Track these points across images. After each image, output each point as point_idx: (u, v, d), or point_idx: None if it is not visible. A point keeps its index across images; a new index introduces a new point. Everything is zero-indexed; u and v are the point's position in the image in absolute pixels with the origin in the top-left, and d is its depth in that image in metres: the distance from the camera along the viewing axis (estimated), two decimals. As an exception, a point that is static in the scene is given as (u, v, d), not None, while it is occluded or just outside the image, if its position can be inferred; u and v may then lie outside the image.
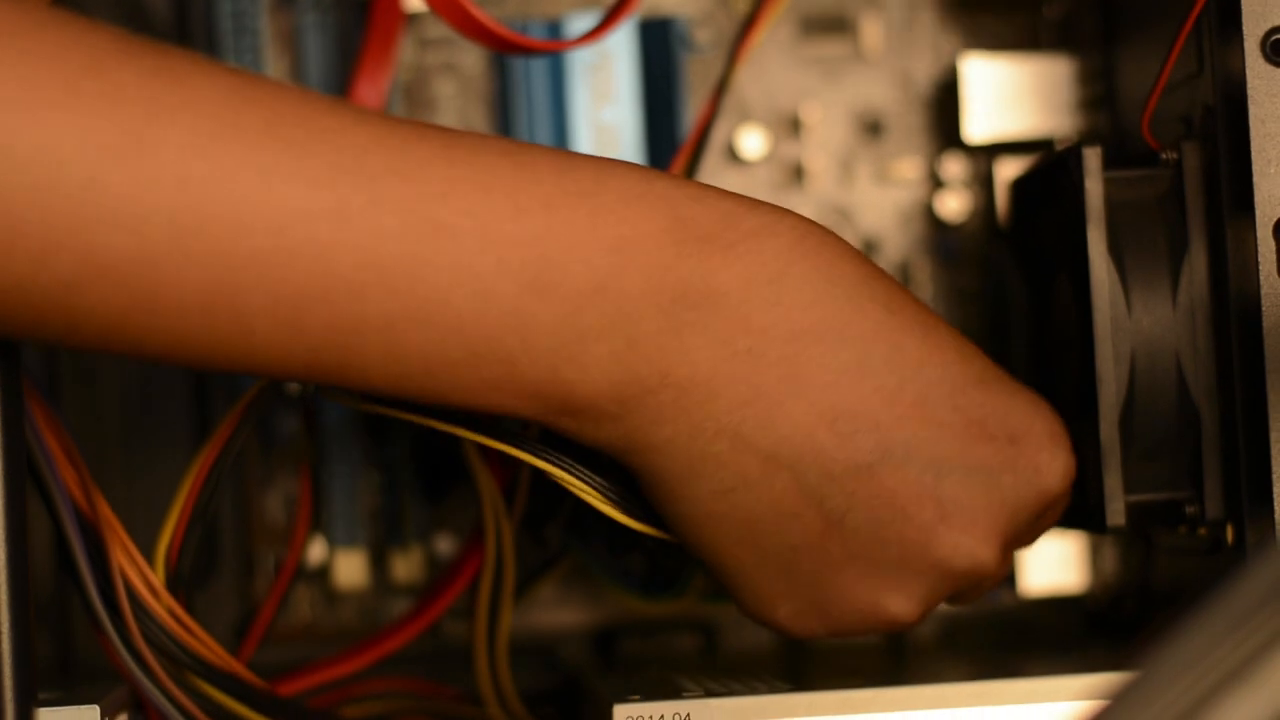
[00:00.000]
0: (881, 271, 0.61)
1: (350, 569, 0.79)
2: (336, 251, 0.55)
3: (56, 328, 0.56)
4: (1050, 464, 0.61)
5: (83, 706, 0.60)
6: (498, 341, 0.57)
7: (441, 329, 0.56)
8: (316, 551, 0.78)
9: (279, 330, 0.56)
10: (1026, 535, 0.65)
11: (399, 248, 0.56)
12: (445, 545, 0.79)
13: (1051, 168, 0.69)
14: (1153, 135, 0.67)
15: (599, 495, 0.62)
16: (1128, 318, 0.65)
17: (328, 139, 0.56)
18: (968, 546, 0.60)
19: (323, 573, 0.79)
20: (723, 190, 0.60)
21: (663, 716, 0.60)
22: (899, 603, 0.61)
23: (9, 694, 0.57)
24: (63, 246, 0.54)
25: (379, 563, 0.79)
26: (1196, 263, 0.64)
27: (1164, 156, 0.65)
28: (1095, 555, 0.80)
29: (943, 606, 0.67)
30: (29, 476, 0.63)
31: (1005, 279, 0.77)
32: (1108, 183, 0.65)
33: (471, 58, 0.81)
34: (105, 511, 0.65)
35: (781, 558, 0.61)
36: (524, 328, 0.57)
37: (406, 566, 0.79)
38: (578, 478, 0.62)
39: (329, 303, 0.56)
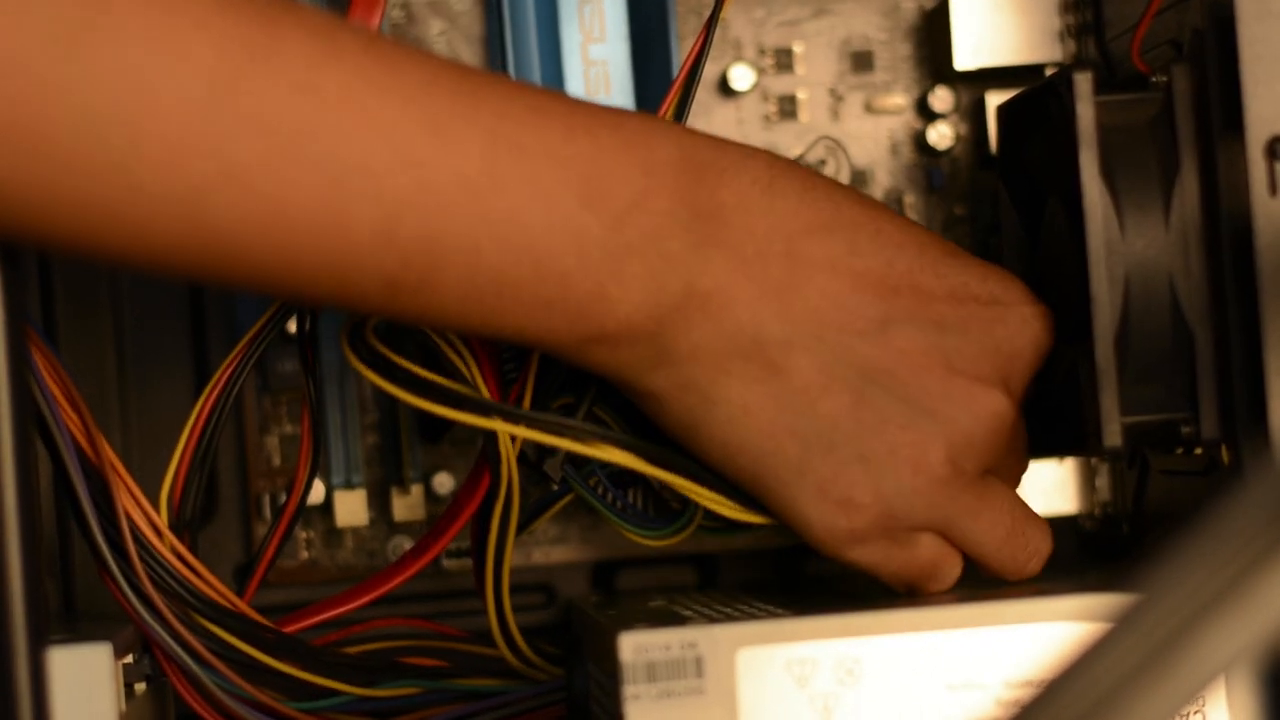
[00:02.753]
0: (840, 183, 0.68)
1: (350, 508, 0.79)
2: (432, 164, 0.59)
3: (180, 236, 0.57)
4: (1034, 314, 0.66)
5: (94, 645, 0.60)
6: (558, 257, 0.61)
7: (515, 246, 0.60)
8: (316, 491, 0.78)
9: (376, 242, 0.59)
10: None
11: (483, 163, 0.59)
12: (443, 484, 0.79)
13: (1041, 93, 0.70)
14: (1142, 59, 0.67)
15: (711, 493, 0.67)
16: (1121, 240, 0.65)
17: (416, 62, 0.60)
18: (980, 391, 0.65)
19: (323, 512, 0.79)
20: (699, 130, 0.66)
21: (669, 645, 0.61)
22: (937, 450, 0.64)
23: (20, 634, 0.57)
24: (196, 151, 0.56)
25: (379, 501, 0.80)
26: (1188, 184, 0.65)
27: (1154, 80, 0.65)
28: (1090, 479, 0.80)
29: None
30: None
31: (995, 205, 0.77)
32: (1099, 107, 0.65)
33: (459, -4, 0.81)
34: (108, 455, 0.65)
35: (823, 437, 0.64)
36: (579, 242, 0.61)
37: (406, 505, 0.79)
38: (684, 476, 0.66)
39: (422, 215, 0.59)
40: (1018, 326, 0.66)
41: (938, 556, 0.66)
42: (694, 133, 0.65)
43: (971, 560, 0.67)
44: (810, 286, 0.63)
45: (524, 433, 0.66)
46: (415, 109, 0.59)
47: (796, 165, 0.66)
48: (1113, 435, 0.65)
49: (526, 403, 0.68)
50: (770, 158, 0.65)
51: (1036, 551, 0.68)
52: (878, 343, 0.64)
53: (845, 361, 0.64)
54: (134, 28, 0.55)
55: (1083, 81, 0.65)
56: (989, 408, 0.65)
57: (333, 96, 0.58)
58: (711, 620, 0.64)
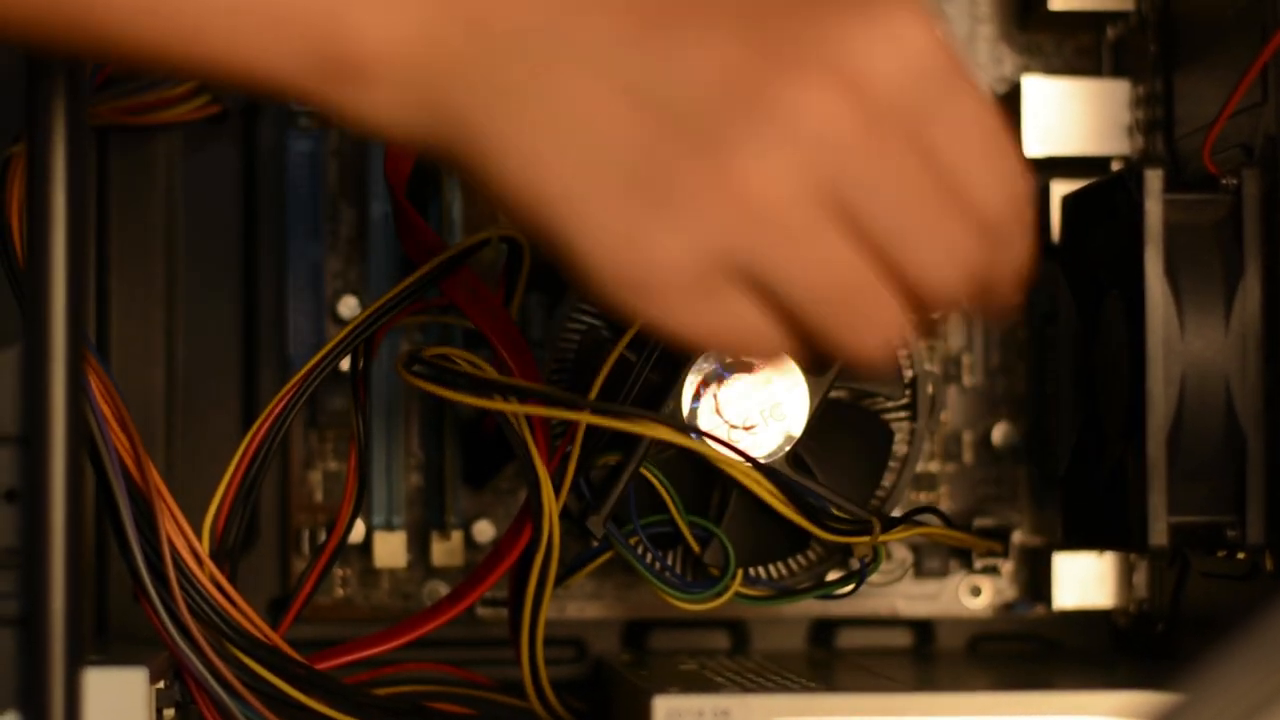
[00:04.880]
0: None
1: (389, 549, 0.79)
2: None
3: None
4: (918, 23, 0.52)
5: (130, 669, 0.60)
6: None
7: None
8: (356, 530, 0.78)
9: None
10: None
11: None
12: (484, 531, 0.79)
13: (1109, 186, 0.70)
14: (1212, 160, 0.67)
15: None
16: (1180, 340, 0.65)
17: None
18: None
19: (361, 551, 0.80)
20: None
21: (702, 711, 0.61)
22: (765, 160, 0.51)
23: (59, 654, 0.57)
24: None
25: (418, 545, 0.80)
26: (1251, 289, 0.65)
27: (1224, 182, 0.66)
28: (1127, 574, 0.80)
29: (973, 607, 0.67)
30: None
31: (1054, 294, 0.77)
32: (1167, 205, 0.65)
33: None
34: (155, 480, 0.65)
35: (616, 168, 0.52)
36: None
37: (445, 550, 0.79)
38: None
39: None
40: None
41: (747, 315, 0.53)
42: None
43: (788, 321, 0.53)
44: (597, 8, 0.52)
45: (570, 415, 0.66)
46: None
47: None
48: (1159, 534, 0.65)
49: (573, 462, 0.69)
50: None
51: (884, 325, 0.53)
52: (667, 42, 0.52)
53: (636, 77, 0.52)
54: None
55: (1153, 179, 0.65)
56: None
57: None
58: (745, 689, 0.64)
